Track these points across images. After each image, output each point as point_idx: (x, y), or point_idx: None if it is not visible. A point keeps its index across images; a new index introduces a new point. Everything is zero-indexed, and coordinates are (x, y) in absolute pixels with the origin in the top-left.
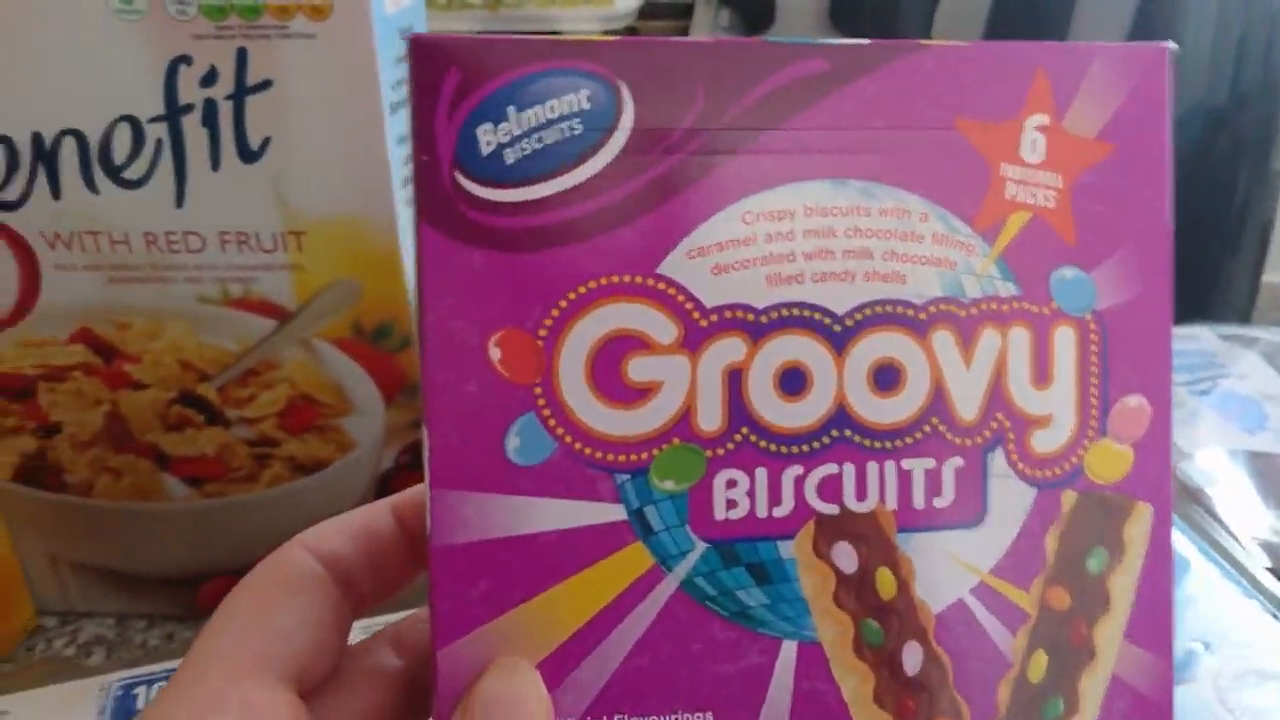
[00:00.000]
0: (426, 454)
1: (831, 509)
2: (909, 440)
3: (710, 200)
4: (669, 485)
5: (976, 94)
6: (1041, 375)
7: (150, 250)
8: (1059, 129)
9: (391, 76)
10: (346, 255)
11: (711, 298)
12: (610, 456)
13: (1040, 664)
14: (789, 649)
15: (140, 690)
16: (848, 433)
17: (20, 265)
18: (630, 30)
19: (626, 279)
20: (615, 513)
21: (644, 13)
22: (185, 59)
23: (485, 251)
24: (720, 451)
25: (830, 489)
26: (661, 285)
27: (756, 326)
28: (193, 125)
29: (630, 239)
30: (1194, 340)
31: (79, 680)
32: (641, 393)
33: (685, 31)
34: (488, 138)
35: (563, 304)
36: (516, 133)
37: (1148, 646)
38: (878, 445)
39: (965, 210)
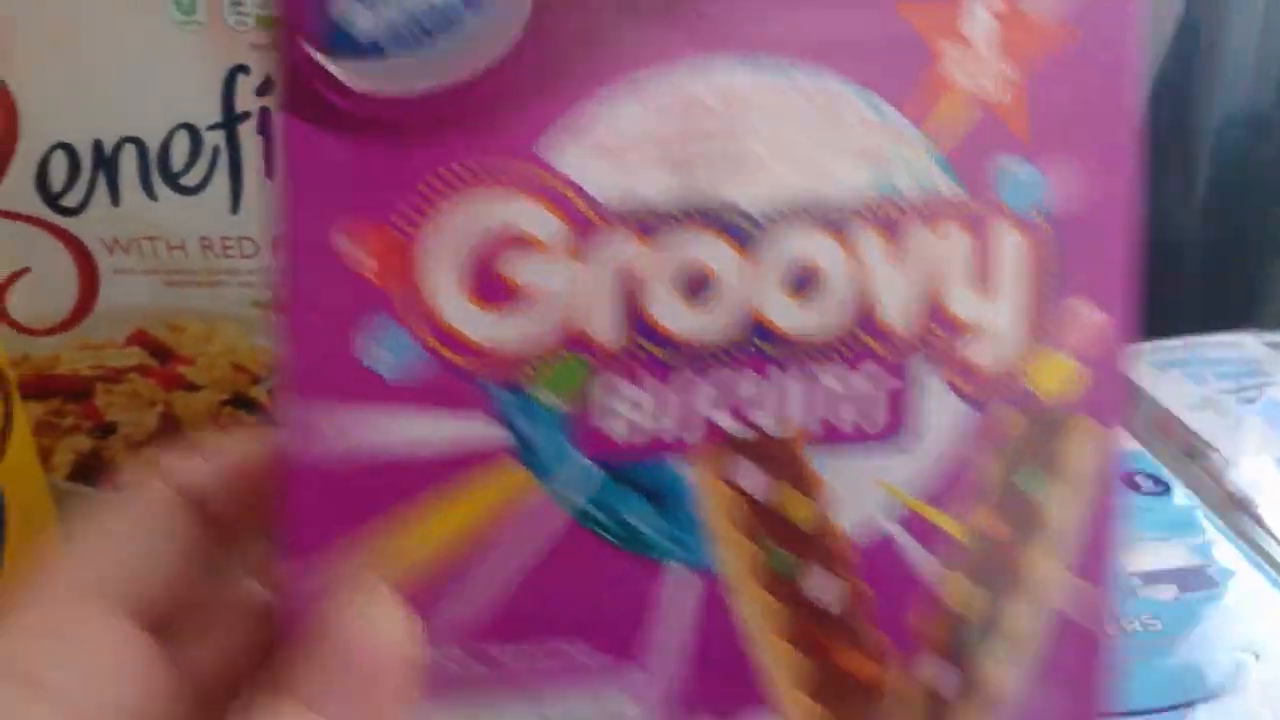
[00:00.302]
0: (281, 360)
1: (736, 426)
2: (828, 351)
3: (604, 80)
4: (552, 400)
5: None
6: (983, 281)
7: (206, 255)
8: (1015, 10)
9: None
10: None
11: (603, 190)
12: (485, 368)
13: (972, 596)
14: (686, 577)
15: None
16: (758, 342)
17: (79, 269)
18: None
19: (505, 169)
20: (490, 430)
21: None
22: (243, 68)
23: (344, 138)
24: (611, 363)
25: (736, 404)
26: (545, 176)
27: (654, 223)
28: (249, 133)
29: (510, 125)
30: (1238, 348)
31: None
32: (521, 297)
33: None
34: (352, 13)
35: (431, 196)
36: (387, 9)
37: (1089, 577)
38: (792, 356)
39: (900, 97)
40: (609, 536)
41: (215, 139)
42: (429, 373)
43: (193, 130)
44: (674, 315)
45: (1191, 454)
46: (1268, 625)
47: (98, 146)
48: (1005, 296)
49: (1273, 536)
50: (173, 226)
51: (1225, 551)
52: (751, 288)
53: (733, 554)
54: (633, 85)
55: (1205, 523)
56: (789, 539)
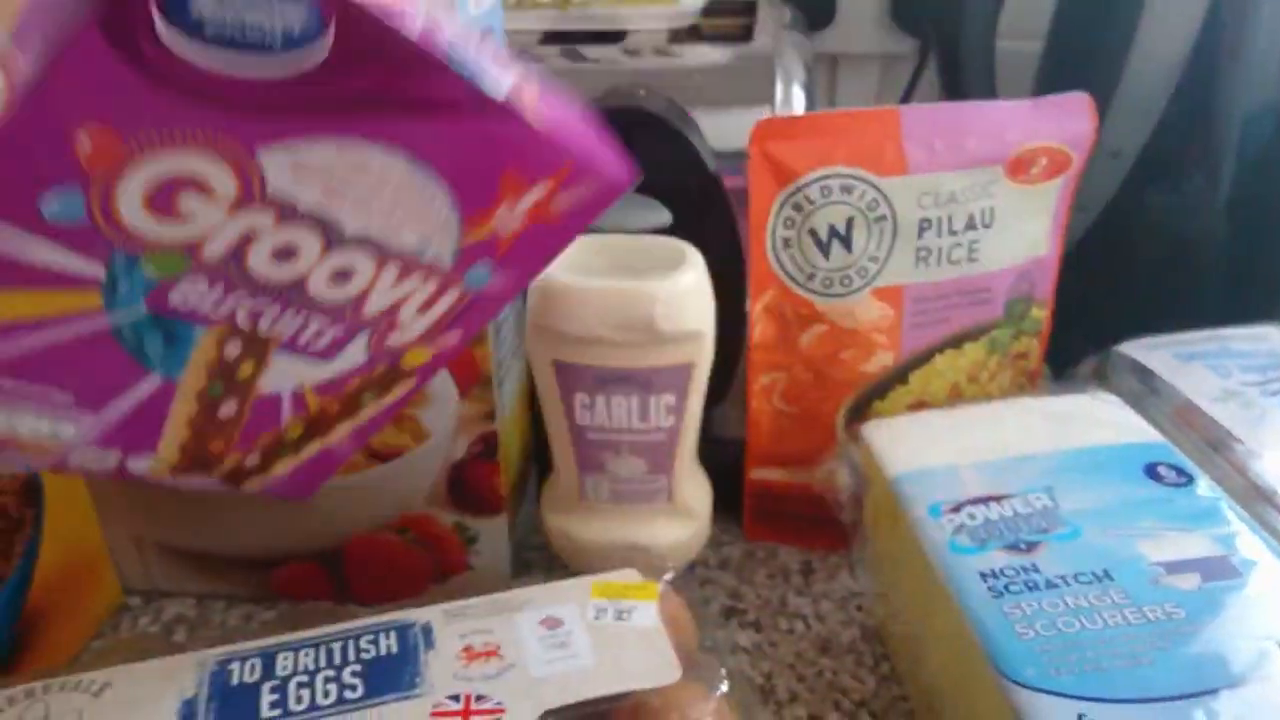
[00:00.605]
0: None
1: (247, 324)
2: (326, 310)
3: (317, 129)
4: (150, 271)
5: (529, 163)
6: (424, 308)
7: None
8: (545, 200)
9: None
10: None
11: (277, 185)
12: (122, 240)
13: (296, 430)
14: (155, 380)
15: (235, 666)
16: (295, 295)
17: None
18: (694, 28)
19: (231, 148)
20: (96, 270)
21: (707, 10)
22: None
23: (132, 69)
24: (205, 269)
25: (254, 315)
26: (251, 165)
27: (290, 214)
28: None
29: (252, 125)
30: (1263, 340)
31: (177, 656)
32: (179, 216)
33: (750, 28)
34: (199, 8)
35: (168, 136)
36: (224, 15)
37: (354, 441)
38: (307, 305)
39: (469, 217)
40: (126, 346)
41: None
42: (81, 228)
43: None
44: (261, 262)
45: (1215, 446)
46: None
47: None
48: (427, 319)
49: None
50: None
51: (1249, 542)
52: (313, 269)
53: (191, 380)
54: (336, 144)
55: (1229, 514)
56: (227, 381)
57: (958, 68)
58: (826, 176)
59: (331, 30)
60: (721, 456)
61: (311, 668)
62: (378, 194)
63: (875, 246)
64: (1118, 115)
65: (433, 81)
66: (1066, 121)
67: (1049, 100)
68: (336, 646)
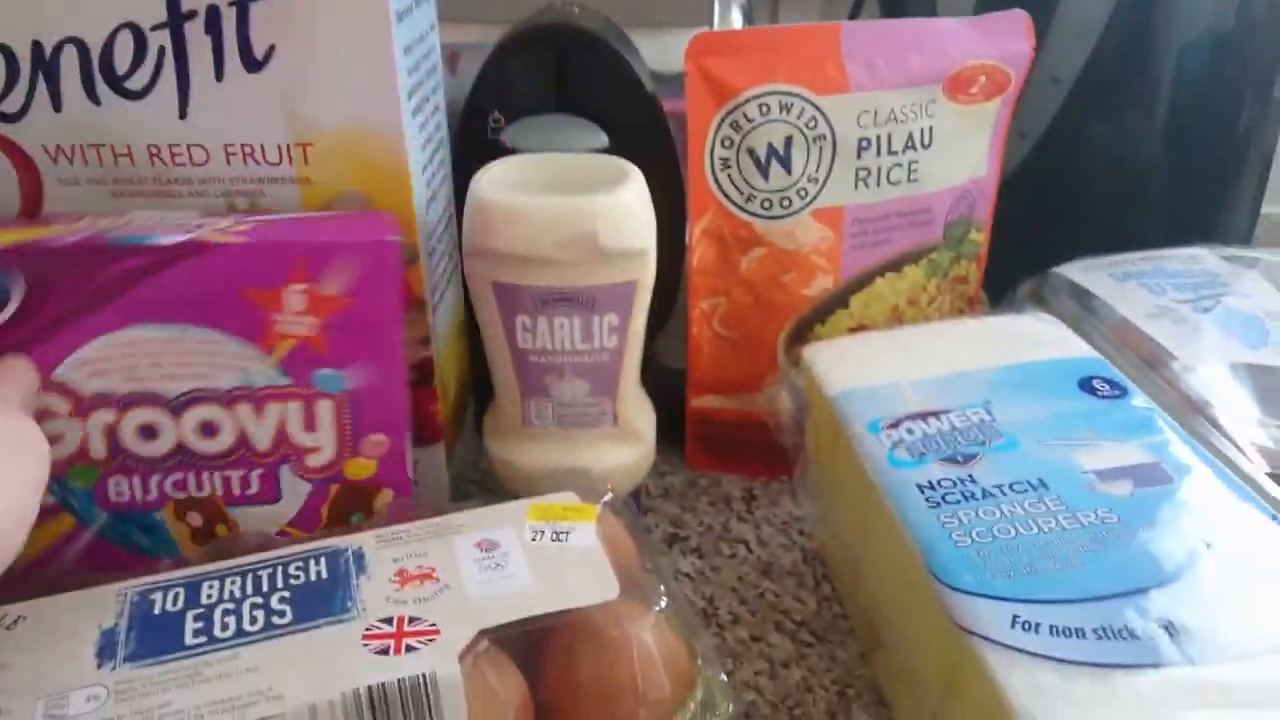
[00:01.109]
0: None
1: (181, 495)
2: (226, 460)
3: (81, 337)
4: (79, 484)
5: (255, 273)
6: (310, 425)
7: (154, 163)
8: (315, 290)
9: None
10: (354, 167)
11: (89, 389)
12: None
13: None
14: (168, 564)
15: (157, 595)
16: (187, 458)
17: (22, 178)
18: None
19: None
20: (50, 501)
21: None
22: None
23: None
24: (109, 466)
25: (180, 485)
26: (56, 381)
27: (120, 403)
28: (196, 33)
29: (33, 359)
30: (1196, 261)
31: (96, 587)
32: (54, 438)
33: None
34: None
35: None
36: None
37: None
38: (207, 463)
39: (253, 338)
40: (125, 546)
41: (160, 39)
42: None
43: (136, 30)
44: (137, 445)
45: (1150, 362)
46: (1220, 518)
47: (36, 48)
48: (324, 433)
49: (1227, 438)
50: (118, 132)
51: (1180, 450)
52: (179, 433)
53: (196, 556)
54: (101, 340)
55: (1162, 424)
56: (213, 541)
57: None
58: (765, 94)
59: (18, 278)
60: (662, 386)
61: (238, 595)
62: (163, 357)
63: (814, 167)
64: (1057, 40)
65: (119, 262)
66: (1005, 40)
67: (988, 18)
68: (264, 574)
